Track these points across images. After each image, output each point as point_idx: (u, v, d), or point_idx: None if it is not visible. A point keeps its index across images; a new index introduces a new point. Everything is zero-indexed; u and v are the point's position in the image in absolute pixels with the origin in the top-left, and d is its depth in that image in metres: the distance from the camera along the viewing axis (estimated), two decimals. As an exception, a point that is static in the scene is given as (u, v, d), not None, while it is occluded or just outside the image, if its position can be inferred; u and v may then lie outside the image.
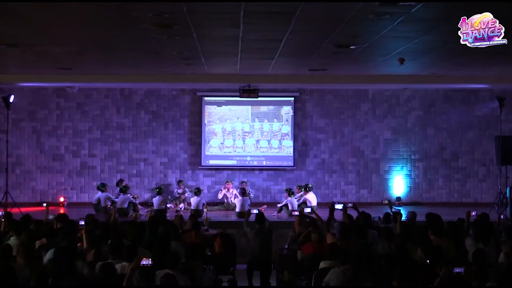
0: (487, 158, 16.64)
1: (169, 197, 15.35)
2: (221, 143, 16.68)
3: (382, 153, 16.78)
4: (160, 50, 10.80)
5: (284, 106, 16.67)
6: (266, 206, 14.89)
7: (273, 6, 7.61)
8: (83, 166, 16.56)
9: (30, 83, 15.40)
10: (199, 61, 12.06)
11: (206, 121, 16.60)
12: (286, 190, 14.58)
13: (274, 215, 13.96)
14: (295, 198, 14.37)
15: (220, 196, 15.63)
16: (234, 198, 15.05)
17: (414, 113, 16.82)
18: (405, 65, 11.89)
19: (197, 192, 14.34)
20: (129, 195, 14.39)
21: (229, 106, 16.65)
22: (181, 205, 15.01)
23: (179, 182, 15.88)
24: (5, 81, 15.00)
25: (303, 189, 14.83)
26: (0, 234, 8.60)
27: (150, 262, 5.85)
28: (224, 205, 15.41)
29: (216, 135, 16.66)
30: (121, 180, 15.43)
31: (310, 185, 14.98)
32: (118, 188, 14.79)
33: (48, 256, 7.17)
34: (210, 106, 16.66)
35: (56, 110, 16.57)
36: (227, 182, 15.86)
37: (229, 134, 16.68)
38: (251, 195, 15.34)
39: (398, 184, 16.64)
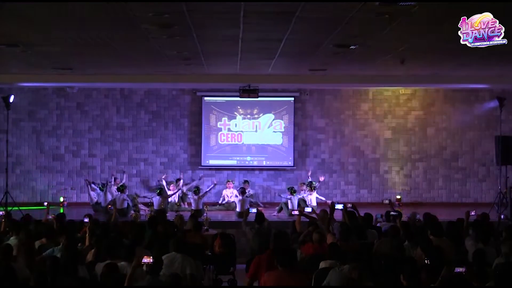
0: (487, 158, 16.62)
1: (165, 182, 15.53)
2: (221, 143, 16.67)
3: (382, 153, 16.77)
4: (160, 50, 10.80)
5: (284, 106, 16.65)
6: (263, 206, 14.91)
7: (273, 6, 7.61)
8: (83, 166, 16.55)
9: (30, 83, 15.38)
10: (199, 61, 12.05)
11: (206, 121, 16.59)
12: (289, 188, 14.53)
13: (274, 215, 13.96)
14: (300, 195, 14.33)
15: (221, 200, 15.63)
16: (235, 198, 15.03)
17: (414, 113, 16.81)
18: (405, 65, 11.89)
19: (197, 191, 14.28)
20: (126, 195, 14.39)
21: (229, 106, 16.64)
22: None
23: (177, 180, 15.83)
24: (5, 81, 14.98)
25: (308, 186, 14.75)
26: (0, 234, 8.61)
27: (151, 261, 5.89)
28: (224, 205, 15.40)
29: (216, 135, 16.65)
30: (114, 179, 15.25)
31: (315, 184, 14.90)
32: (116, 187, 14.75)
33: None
34: (210, 106, 16.65)
35: (56, 110, 16.57)
36: (228, 181, 15.85)
37: (229, 133, 16.67)
38: (252, 194, 15.32)
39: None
